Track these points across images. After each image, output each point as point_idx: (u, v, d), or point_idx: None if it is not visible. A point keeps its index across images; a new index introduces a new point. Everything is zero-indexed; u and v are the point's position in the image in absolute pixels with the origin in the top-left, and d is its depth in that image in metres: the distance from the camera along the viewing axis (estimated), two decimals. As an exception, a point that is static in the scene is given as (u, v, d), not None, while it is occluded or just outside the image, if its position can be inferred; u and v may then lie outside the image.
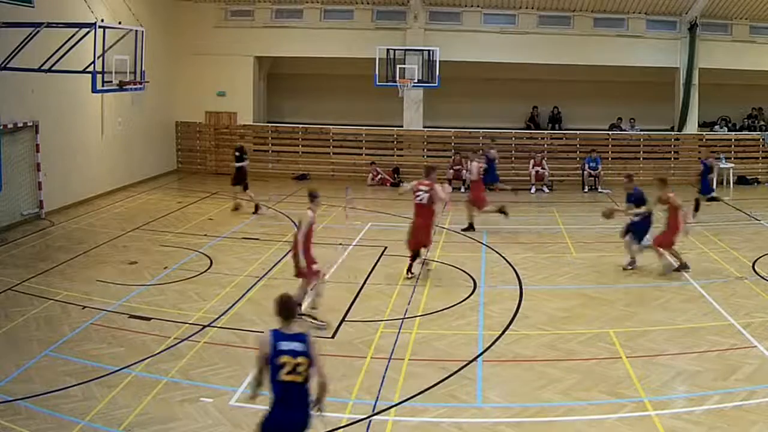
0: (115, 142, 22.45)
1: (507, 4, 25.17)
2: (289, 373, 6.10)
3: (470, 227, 17.60)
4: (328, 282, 13.32)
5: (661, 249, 13.89)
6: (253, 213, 19.43)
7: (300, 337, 6.21)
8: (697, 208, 18.48)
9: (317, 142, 26.41)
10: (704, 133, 26.24)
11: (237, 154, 19.95)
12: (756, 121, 27.16)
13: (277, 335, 6.21)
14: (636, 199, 14.26)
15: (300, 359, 6.13)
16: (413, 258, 13.60)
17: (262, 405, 8.43)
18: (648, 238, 14.18)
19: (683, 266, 13.81)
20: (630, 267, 14.19)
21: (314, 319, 10.97)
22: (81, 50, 15.38)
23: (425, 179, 13.71)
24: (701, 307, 11.99)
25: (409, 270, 13.58)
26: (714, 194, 19.50)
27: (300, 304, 10.70)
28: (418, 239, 13.56)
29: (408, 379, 9.24)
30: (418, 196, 13.53)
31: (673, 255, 13.94)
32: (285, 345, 6.14)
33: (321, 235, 16.19)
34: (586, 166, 24.31)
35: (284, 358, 6.10)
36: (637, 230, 14.20)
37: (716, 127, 26.93)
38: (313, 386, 6.26)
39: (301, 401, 6.21)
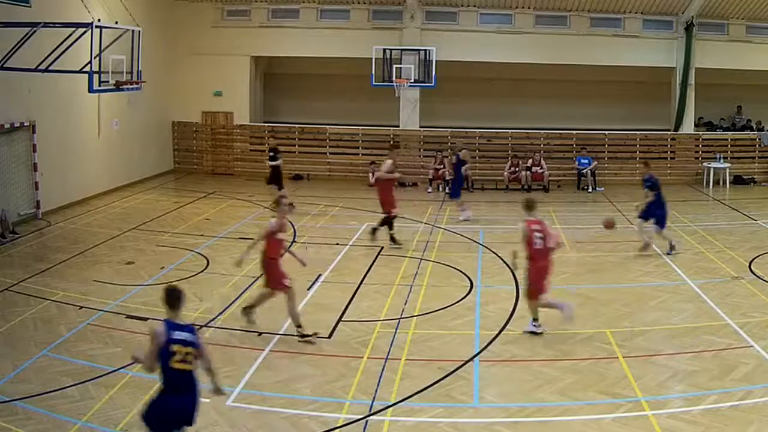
0: (112, 142, 22.43)
1: (503, 4, 25.19)
2: (179, 361, 6.55)
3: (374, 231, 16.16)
4: (326, 282, 13.36)
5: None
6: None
7: (189, 329, 6.74)
8: None
9: (314, 142, 26.42)
10: (701, 133, 26.31)
11: (271, 153, 19.91)
12: (736, 120, 27.22)
13: (170, 324, 6.64)
14: (649, 185, 15.27)
15: (189, 349, 6.61)
16: None
17: (262, 405, 8.51)
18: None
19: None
20: (646, 252, 15.13)
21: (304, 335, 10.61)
22: (78, 50, 15.37)
23: None
24: (698, 307, 12.01)
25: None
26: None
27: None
28: None
29: (405, 379, 9.25)
30: None
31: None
32: (177, 335, 6.58)
33: (321, 235, 16.25)
34: (577, 164, 24.43)
35: (176, 347, 6.54)
36: (658, 215, 15.15)
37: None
38: (201, 372, 6.79)
39: (190, 387, 6.68)
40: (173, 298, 6.76)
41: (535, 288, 10.75)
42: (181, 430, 6.71)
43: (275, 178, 19.78)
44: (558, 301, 10.89)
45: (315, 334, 10.57)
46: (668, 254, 15.12)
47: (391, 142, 16.99)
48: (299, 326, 10.53)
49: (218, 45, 25.80)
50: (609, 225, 14.92)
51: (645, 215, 15.24)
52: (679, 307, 11.98)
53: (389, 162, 16.05)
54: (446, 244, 16.44)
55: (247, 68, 26.31)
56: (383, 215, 15.97)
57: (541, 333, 10.77)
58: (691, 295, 12.61)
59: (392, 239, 15.85)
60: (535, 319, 10.88)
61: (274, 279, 10.67)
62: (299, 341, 10.42)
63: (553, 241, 10.87)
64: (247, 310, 11.05)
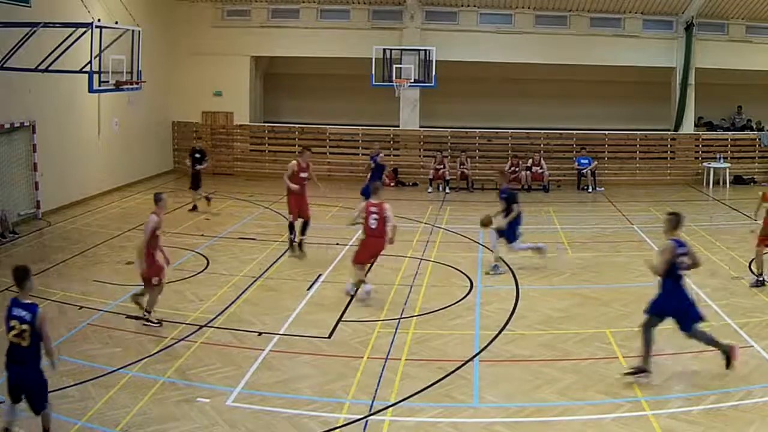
0: (112, 142, 22.43)
1: (503, 4, 25.20)
2: (15, 335, 7.16)
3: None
4: (326, 282, 13.35)
5: None
6: (191, 211, 19.71)
7: (30, 308, 7.21)
8: None
9: (314, 142, 26.35)
10: (701, 133, 26.32)
11: (197, 155, 19.93)
12: (736, 120, 27.23)
13: (13, 301, 7.28)
14: (505, 197, 14.17)
15: (25, 326, 7.13)
16: None
17: (262, 405, 8.50)
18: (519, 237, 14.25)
19: None
20: (494, 272, 13.94)
21: (148, 321, 11.02)
22: (78, 50, 15.36)
23: None
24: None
25: None
26: None
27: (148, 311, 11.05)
28: None
29: (404, 379, 9.25)
30: None
31: None
32: (16, 311, 7.19)
33: (319, 235, 16.22)
34: (576, 164, 24.48)
35: (13, 322, 7.16)
36: (507, 231, 14.08)
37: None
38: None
39: (25, 361, 7.21)
40: (16, 277, 7.35)
41: (358, 257, 12.44)
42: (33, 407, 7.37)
43: (198, 180, 19.83)
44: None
45: (160, 322, 11.00)
46: (488, 273, 13.96)
47: (302, 147, 16.76)
48: (149, 312, 11.00)
49: (218, 45, 25.80)
50: (486, 223, 14.44)
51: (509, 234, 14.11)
52: (679, 307, 11.95)
53: (292, 163, 15.50)
54: (446, 244, 16.44)
55: (247, 68, 26.32)
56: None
57: (355, 293, 12.27)
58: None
59: (291, 243, 15.36)
60: (355, 284, 12.37)
61: (150, 271, 11.02)
62: (142, 323, 10.97)
63: (390, 225, 12.10)
64: (137, 297, 11.33)
